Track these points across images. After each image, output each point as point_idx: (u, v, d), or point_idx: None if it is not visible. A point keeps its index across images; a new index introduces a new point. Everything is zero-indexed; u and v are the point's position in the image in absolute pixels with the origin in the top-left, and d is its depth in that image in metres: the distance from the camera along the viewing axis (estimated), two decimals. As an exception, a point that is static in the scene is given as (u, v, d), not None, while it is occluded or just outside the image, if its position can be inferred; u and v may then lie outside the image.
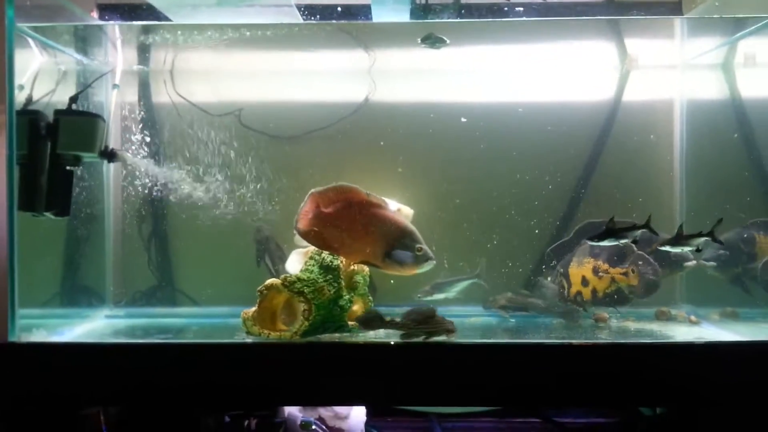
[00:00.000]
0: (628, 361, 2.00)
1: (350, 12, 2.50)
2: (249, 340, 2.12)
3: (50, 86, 2.51)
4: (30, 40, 2.52)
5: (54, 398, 2.00)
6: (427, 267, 2.07)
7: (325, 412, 2.49)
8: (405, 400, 2.24)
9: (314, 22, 2.52)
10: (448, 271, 2.62)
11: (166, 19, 2.48)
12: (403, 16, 2.50)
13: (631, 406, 2.47)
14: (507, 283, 2.71)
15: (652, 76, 2.86)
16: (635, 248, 2.42)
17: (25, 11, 2.27)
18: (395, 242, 2.05)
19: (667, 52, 2.86)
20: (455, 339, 2.04)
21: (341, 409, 2.49)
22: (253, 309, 2.16)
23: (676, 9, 2.52)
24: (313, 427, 2.43)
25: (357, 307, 2.30)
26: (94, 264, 2.83)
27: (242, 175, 2.71)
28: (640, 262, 2.40)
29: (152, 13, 2.44)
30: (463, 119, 2.78)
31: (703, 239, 2.28)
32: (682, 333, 2.33)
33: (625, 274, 2.43)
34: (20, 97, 2.25)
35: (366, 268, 2.28)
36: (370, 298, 2.34)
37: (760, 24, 2.47)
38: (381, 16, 2.52)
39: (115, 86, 2.70)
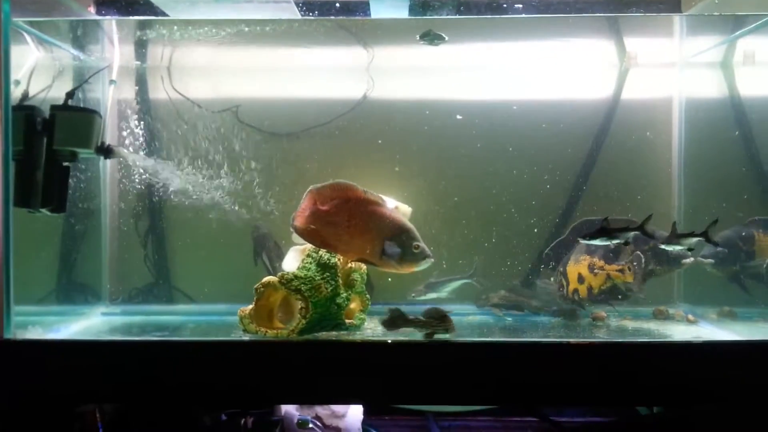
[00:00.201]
0: (625, 360, 1.99)
1: (348, 8, 2.49)
2: (246, 337, 2.11)
3: (46, 82, 2.50)
4: (26, 36, 2.50)
5: (50, 396, 1.99)
6: (424, 265, 2.06)
7: (322, 410, 2.49)
8: (402, 399, 2.24)
9: (312, 18, 2.51)
10: (448, 269, 2.62)
11: (164, 14, 2.47)
12: (401, 13, 2.49)
13: (628, 405, 2.47)
14: (505, 281, 2.71)
15: (651, 74, 2.85)
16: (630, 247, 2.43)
17: (21, 6, 2.26)
18: (392, 240, 2.03)
19: (666, 50, 2.86)
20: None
21: (338, 408, 2.49)
22: (250, 307, 2.15)
23: (676, 6, 2.52)
24: (310, 425, 2.43)
25: (354, 305, 2.29)
26: (91, 261, 2.82)
27: (239, 171, 2.70)
28: (635, 263, 2.40)
29: (149, 8, 2.43)
30: (459, 116, 2.77)
31: (695, 239, 2.29)
32: (679, 332, 2.33)
33: (621, 270, 2.43)
34: (16, 93, 2.24)
35: (363, 266, 2.27)
36: (368, 296, 2.33)
37: (760, 22, 2.46)
38: (379, 12, 2.51)
39: (111, 82, 2.69)
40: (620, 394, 2.02)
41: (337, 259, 2.17)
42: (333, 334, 2.16)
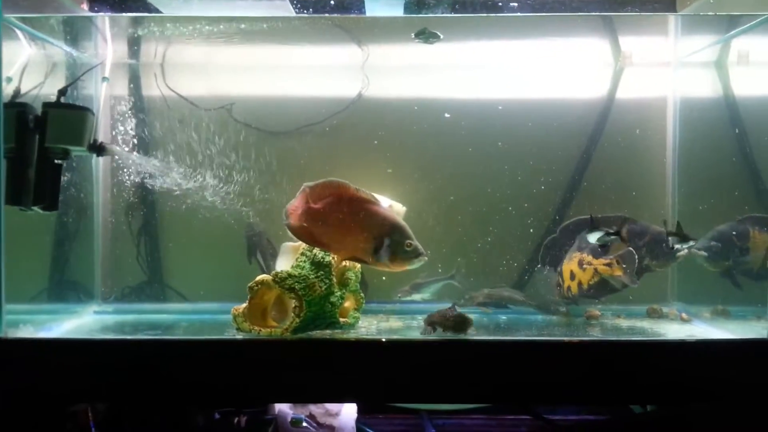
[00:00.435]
0: (619, 359, 2.00)
1: (343, 5, 2.48)
2: (239, 336, 2.10)
3: (39, 79, 2.49)
4: (18, 32, 2.49)
5: (41, 395, 1.98)
6: (417, 263, 2.04)
7: (315, 409, 2.48)
8: (396, 397, 2.23)
9: (307, 15, 2.50)
10: (444, 268, 2.62)
11: (157, 11, 2.45)
12: (396, 11, 2.48)
13: (622, 403, 2.47)
14: (487, 281, 2.71)
15: (646, 74, 2.85)
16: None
17: (13, 1, 2.24)
18: (384, 238, 2.02)
19: (660, 50, 2.86)
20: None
21: (332, 406, 2.48)
22: (244, 305, 2.14)
23: (670, 6, 2.51)
24: (304, 424, 2.42)
25: (348, 304, 2.29)
26: (83, 259, 2.80)
27: (233, 169, 2.69)
28: (625, 257, 2.42)
29: (143, 5, 2.41)
30: (447, 115, 2.77)
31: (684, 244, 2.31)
32: (673, 330, 2.33)
33: (609, 264, 2.43)
34: (8, 90, 2.22)
35: (358, 265, 2.27)
36: (362, 294, 2.32)
37: (754, 22, 2.46)
38: (374, 10, 2.50)
39: (104, 79, 2.67)
40: (613, 392, 2.03)
41: (331, 258, 2.16)
42: (327, 333, 2.15)
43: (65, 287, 2.81)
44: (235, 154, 2.71)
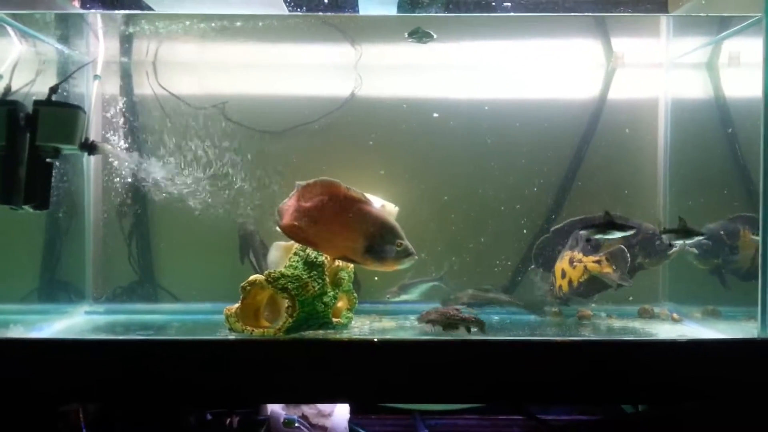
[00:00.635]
0: (610, 358, 2.01)
1: (336, 4, 2.47)
2: (232, 336, 2.10)
3: (30, 76, 2.46)
4: (9, 28, 2.47)
5: (32, 395, 1.97)
6: (407, 263, 2.04)
7: (308, 409, 2.48)
8: (389, 398, 2.23)
9: (300, 14, 2.49)
10: (439, 269, 2.63)
11: (149, 8, 2.44)
12: (390, 10, 2.48)
13: (614, 403, 2.49)
14: (493, 280, 2.72)
15: (638, 75, 2.87)
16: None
17: (4, -2, 2.23)
18: (374, 237, 2.01)
19: (652, 51, 2.88)
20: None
21: (325, 407, 2.48)
22: (236, 305, 2.13)
23: (663, 7, 2.53)
24: (297, 424, 2.42)
25: (341, 304, 2.29)
26: (74, 259, 2.78)
27: (226, 169, 2.68)
28: (617, 254, 2.43)
29: (135, 2, 2.40)
30: (435, 114, 2.77)
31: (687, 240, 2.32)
32: (664, 330, 2.35)
33: (598, 262, 2.44)
34: (-2, 87, 2.21)
35: (351, 265, 2.26)
36: (355, 294, 2.32)
37: (745, 24, 2.48)
38: (368, 9, 2.50)
39: (96, 77, 2.65)
40: (605, 392, 2.04)
41: (324, 258, 2.16)
42: (320, 333, 2.15)
43: (56, 287, 2.79)
44: (228, 153, 2.70)
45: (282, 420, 2.43)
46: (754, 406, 2.01)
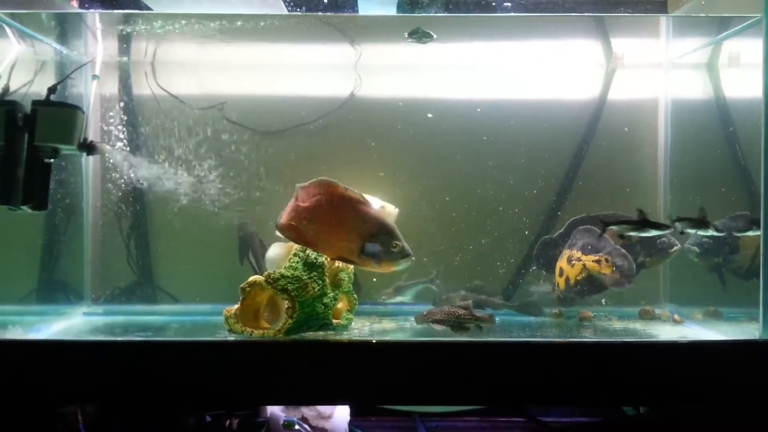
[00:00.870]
0: (611, 360, 2.00)
1: (336, 4, 2.47)
2: (231, 338, 2.09)
3: (28, 76, 2.46)
4: (7, 28, 2.46)
5: (30, 396, 1.96)
6: (404, 264, 2.02)
7: (308, 411, 2.47)
8: (389, 399, 2.23)
9: (299, 14, 2.49)
10: (439, 270, 2.63)
11: (148, 8, 2.43)
12: (389, 10, 2.48)
13: (615, 404, 2.48)
14: (493, 281, 2.72)
15: (638, 75, 2.87)
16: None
17: (2, -2, 2.22)
18: (371, 238, 2.00)
19: (652, 51, 2.87)
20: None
21: (324, 409, 2.47)
22: (236, 306, 2.13)
23: (662, 7, 2.53)
24: (296, 426, 2.41)
25: (341, 305, 2.28)
26: (72, 259, 2.78)
27: (225, 170, 2.67)
28: (617, 257, 2.42)
29: (134, 2, 2.39)
30: (429, 115, 2.76)
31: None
32: (665, 332, 2.34)
33: (598, 261, 2.44)
34: (-3, 87, 2.20)
35: (351, 266, 2.26)
36: (355, 295, 2.31)
37: (745, 24, 2.48)
38: (367, 9, 2.49)
39: (94, 77, 2.65)
40: (606, 393, 2.03)
41: (324, 259, 2.15)
42: (320, 334, 2.14)
43: (54, 288, 2.79)
44: (227, 153, 2.70)
45: (282, 422, 2.42)
46: (755, 408, 2.00)
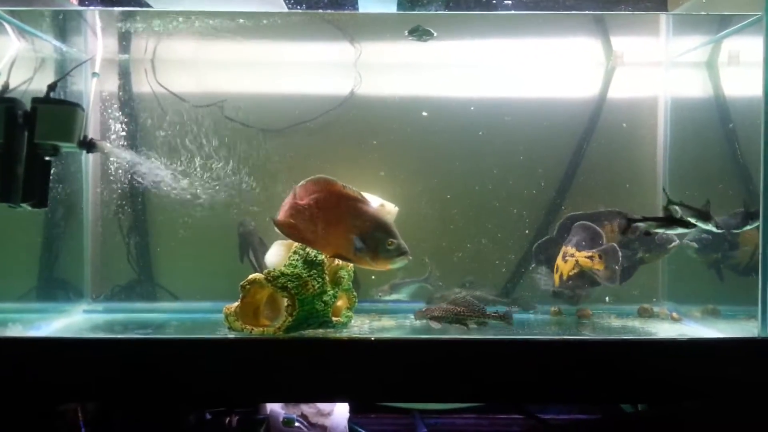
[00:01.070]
0: (610, 357, 2.00)
1: (336, 2, 2.47)
2: (231, 335, 2.09)
3: (28, 74, 2.46)
4: (7, 26, 2.45)
5: (31, 394, 1.96)
6: (400, 262, 2.02)
7: (307, 408, 2.47)
8: (389, 397, 2.23)
9: (299, 11, 2.49)
10: (439, 268, 2.63)
11: (147, 5, 2.43)
12: (390, 8, 2.48)
13: (613, 402, 2.48)
14: (492, 279, 2.72)
15: (637, 73, 2.86)
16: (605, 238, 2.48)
17: (2, -5, 2.21)
18: (367, 235, 2.00)
19: (652, 49, 2.87)
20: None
21: (324, 406, 2.47)
22: (236, 304, 2.13)
23: (662, 5, 2.53)
24: (296, 424, 2.42)
25: (341, 303, 2.28)
26: (72, 257, 2.78)
27: (225, 167, 2.67)
28: (608, 252, 2.43)
29: (133, -1, 2.40)
30: (424, 113, 2.76)
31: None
32: (664, 330, 2.35)
33: (591, 257, 2.44)
34: (-3, 85, 2.20)
35: (350, 264, 2.26)
36: (354, 293, 2.32)
37: (745, 23, 2.48)
38: (367, 7, 2.49)
39: (94, 74, 2.64)
40: (605, 391, 2.03)
41: (324, 257, 2.15)
42: (320, 332, 2.14)
43: (54, 286, 2.79)
44: (227, 151, 2.70)
45: (281, 419, 2.42)
46: (754, 406, 2.01)
